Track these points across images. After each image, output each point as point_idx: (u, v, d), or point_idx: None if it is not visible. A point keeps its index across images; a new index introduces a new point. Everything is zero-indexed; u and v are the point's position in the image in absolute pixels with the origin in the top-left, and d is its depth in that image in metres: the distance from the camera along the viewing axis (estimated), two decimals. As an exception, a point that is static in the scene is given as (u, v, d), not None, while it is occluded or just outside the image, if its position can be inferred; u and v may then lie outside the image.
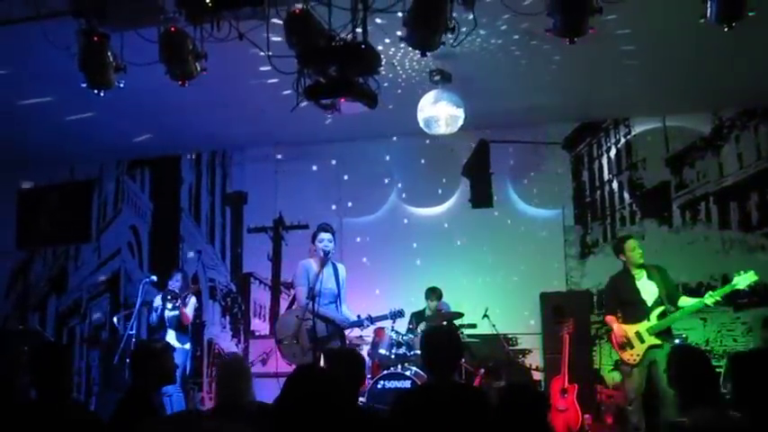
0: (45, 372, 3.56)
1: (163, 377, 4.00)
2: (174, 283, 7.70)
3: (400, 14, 4.60)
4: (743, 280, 5.93)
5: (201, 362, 9.59)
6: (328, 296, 6.27)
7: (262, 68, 6.06)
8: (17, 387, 8.33)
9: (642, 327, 6.14)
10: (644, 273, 6.29)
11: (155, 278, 7.64)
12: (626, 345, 6.20)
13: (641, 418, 6.13)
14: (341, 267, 6.47)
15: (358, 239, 9.21)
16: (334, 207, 9.39)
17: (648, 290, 6.22)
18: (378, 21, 5.46)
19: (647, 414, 6.14)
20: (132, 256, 10.31)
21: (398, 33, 5.14)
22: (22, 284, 10.60)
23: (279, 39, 4.81)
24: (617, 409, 7.38)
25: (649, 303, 6.19)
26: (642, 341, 6.11)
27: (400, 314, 6.52)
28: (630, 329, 6.20)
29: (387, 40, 6.13)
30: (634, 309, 6.26)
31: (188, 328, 7.78)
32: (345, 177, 9.55)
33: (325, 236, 6.28)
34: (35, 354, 3.76)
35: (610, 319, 6.44)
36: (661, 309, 6.13)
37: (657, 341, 6.06)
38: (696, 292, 7.62)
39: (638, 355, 6.13)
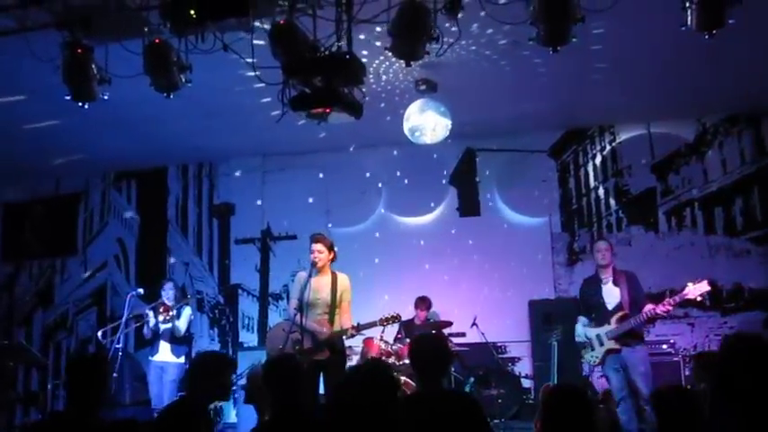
0: (77, 384, 3.48)
1: (219, 392, 3.95)
2: (167, 293, 7.58)
3: (385, 25, 4.62)
4: (694, 290, 5.97)
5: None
6: (320, 306, 6.18)
7: (247, 79, 6.06)
8: (2, 402, 8.24)
9: (602, 330, 6.20)
10: (610, 277, 6.33)
11: (141, 291, 7.55)
12: (587, 346, 6.31)
13: (632, 418, 6.15)
14: (342, 277, 6.30)
15: (345, 249, 9.17)
16: (321, 223, 9.37)
17: (612, 294, 6.27)
18: (363, 33, 5.48)
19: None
20: (119, 268, 10.25)
21: (383, 43, 5.14)
22: (7, 299, 10.51)
23: (264, 49, 4.81)
24: (607, 415, 7.38)
25: (610, 308, 6.24)
26: (601, 344, 6.19)
27: (395, 319, 6.39)
28: (593, 332, 6.27)
29: (372, 50, 6.14)
30: (599, 313, 6.33)
31: (183, 339, 7.66)
32: (333, 187, 9.55)
33: (314, 246, 6.20)
34: (70, 364, 3.71)
35: (580, 320, 6.53)
36: (621, 314, 6.17)
37: (616, 345, 6.11)
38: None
39: (597, 358, 6.23)
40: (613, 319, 6.16)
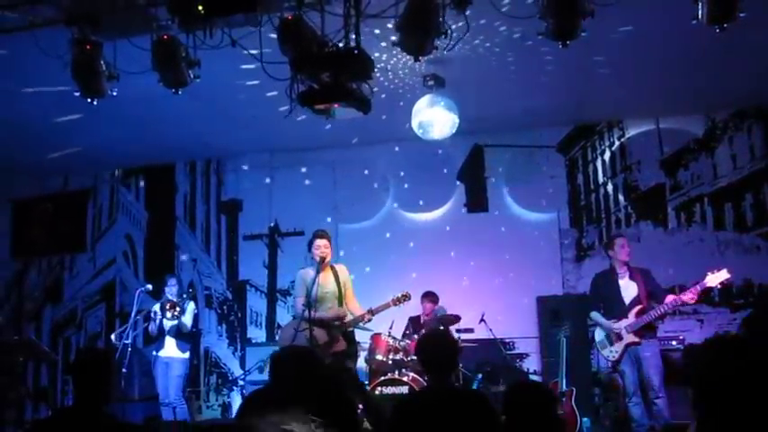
0: (85, 378, 3.48)
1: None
2: (170, 289, 7.64)
3: (393, 20, 4.61)
4: (714, 278, 5.97)
5: (198, 371, 9.56)
6: (329, 300, 6.25)
7: (255, 75, 6.05)
8: (12, 398, 8.30)
9: (622, 324, 6.22)
10: (627, 272, 6.36)
11: (150, 287, 7.58)
12: (606, 342, 6.33)
13: (644, 413, 6.17)
14: (340, 268, 6.40)
15: (353, 245, 9.20)
16: (329, 219, 9.39)
17: (629, 288, 6.29)
18: (371, 28, 5.47)
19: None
20: (128, 264, 10.28)
21: (392, 39, 5.13)
22: (17, 295, 10.55)
23: (272, 44, 4.81)
24: (615, 411, 7.37)
25: (627, 302, 6.26)
26: (620, 339, 6.20)
27: (405, 298, 6.46)
28: (613, 327, 6.30)
29: (380, 46, 6.13)
30: (615, 307, 6.34)
31: (189, 335, 7.72)
32: (340, 184, 9.55)
33: (320, 242, 6.25)
34: (78, 359, 3.78)
35: (596, 315, 6.54)
36: (639, 307, 6.20)
37: (635, 339, 6.14)
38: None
39: (616, 352, 6.22)
40: (632, 313, 6.18)
